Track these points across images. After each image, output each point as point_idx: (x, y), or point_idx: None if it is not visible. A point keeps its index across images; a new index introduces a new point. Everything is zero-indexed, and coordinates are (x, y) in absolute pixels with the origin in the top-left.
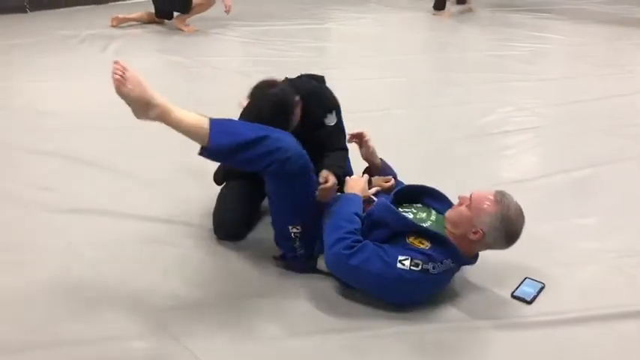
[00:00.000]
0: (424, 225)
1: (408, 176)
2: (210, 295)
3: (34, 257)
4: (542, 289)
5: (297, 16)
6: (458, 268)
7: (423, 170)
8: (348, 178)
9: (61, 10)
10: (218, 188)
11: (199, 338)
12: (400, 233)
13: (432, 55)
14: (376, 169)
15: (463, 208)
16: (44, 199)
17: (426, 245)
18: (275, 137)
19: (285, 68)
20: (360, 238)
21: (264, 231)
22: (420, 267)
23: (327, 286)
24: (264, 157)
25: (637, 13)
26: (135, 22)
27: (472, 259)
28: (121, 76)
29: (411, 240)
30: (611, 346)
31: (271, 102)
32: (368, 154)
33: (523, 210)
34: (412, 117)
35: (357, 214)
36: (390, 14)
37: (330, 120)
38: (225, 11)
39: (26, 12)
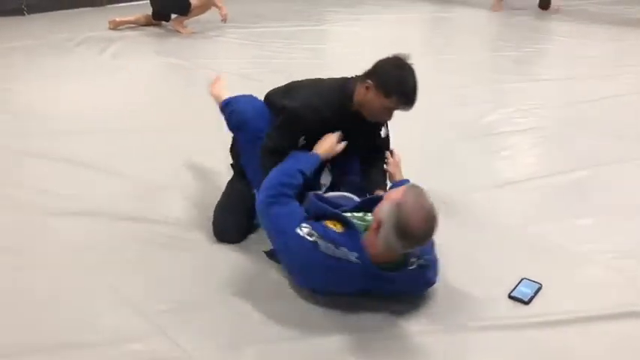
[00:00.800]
0: (346, 215)
1: (406, 176)
2: (208, 297)
3: (31, 260)
4: (539, 289)
5: (294, 18)
6: (368, 277)
7: (422, 170)
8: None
9: (59, 12)
10: (215, 191)
11: (197, 340)
12: (323, 216)
13: (430, 56)
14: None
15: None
16: (42, 201)
17: (337, 228)
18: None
19: (282, 70)
20: (291, 193)
21: (262, 232)
22: (312, 238)
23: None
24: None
25: (638, 14)
26: (132, 25)
27: (384, 264)
28: None
29: (326, 221)
30: (608, 346)
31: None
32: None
33: (524, 208)
34: (410, 118)
35: (301, 172)
36: (386, 15)
37: (384, 132)
38: (222, 20)
39: (24, 15)
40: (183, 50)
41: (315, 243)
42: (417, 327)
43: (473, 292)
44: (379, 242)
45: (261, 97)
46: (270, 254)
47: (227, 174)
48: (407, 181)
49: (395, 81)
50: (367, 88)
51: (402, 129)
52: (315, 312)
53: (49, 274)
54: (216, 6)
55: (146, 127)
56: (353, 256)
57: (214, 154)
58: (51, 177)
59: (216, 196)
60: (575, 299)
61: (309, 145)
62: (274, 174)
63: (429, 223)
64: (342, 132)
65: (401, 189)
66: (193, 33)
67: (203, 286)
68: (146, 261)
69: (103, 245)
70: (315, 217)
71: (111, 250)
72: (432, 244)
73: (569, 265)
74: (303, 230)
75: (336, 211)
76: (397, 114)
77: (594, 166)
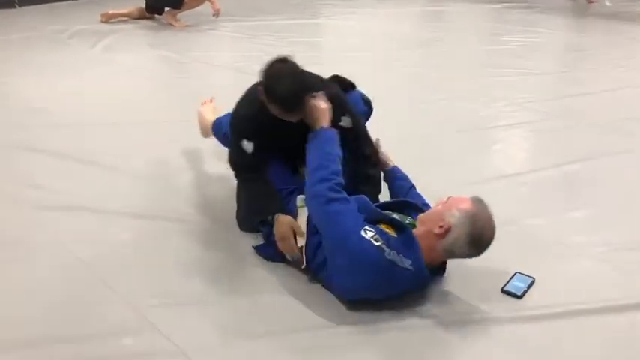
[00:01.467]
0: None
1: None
2: (202, 292)
3: (23, 255)
4: (532, 283)
5: (288, 11)
6: (415, 282)
7: (415, 165)
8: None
9: (50, 5)
10: (211, 185)
11: (190, 336)
12: (376, 220)
13: (423, 50)
14: (388, 174)
15: (437, 206)
16: (34, 196)
17: (392, 233)
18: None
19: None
20: (343, 181)
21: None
22: (379, 242)
23: (319, 283)
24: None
25: (629, 8)
26: (125, 18)
27: (436, 268)
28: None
29: (381, 225)
30: (601, 339)
31: (293, 75)
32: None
33: (516, 202)
34: (403, 112)
35: (338, 156)
36: (380, 9)
37: (346, 122)
38: (214, 15)
39: (15, 7)
40: (176, 43)
41: (380, 248)
42: (410, 321)
43: (466, 287)
44: (441, 247)
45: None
46: (259, 249)
47: (222, 167)
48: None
49: (271, 88)
50: (262, 93)
51: (393, 123)
52: (312, 307)
53: (41, 268)
54: (209, 0)
55: (140, 121)
56: (407, 264)
57: (209, 147)
58: (44, 171)
59: (213, 190)
60: (567, 293)
61: (261, 149)
62: (319, 161)
63: (494, 233)
64: (290, 131)
65: (466, 198)
66: (187, 26)
67: (197, 282)
68: (140, 256)
69: (96, 240)
70: (369, 220)
71: (104, 244)
72: None
73: (561, 258)
74: (368, 234)
75: (393, 216)
76: (388, 109)
77: (585, 159)
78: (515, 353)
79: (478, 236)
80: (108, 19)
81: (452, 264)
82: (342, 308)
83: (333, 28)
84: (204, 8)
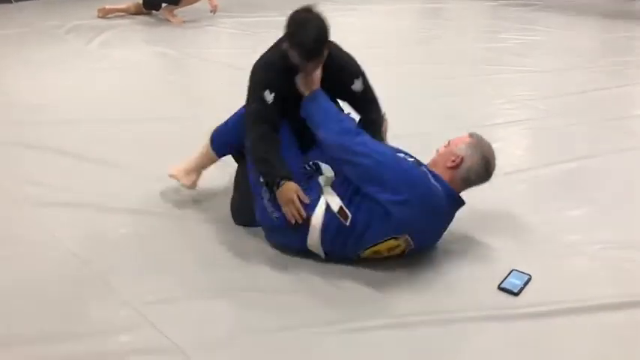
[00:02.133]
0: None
1: None
2: (198, 289)
3: (20, 252)
4: (528, 280)
5: (287, 8)
6: (448, 202)
7: None
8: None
9: (47, 0)
10: (206, 181)
11: (187, 332)
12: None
13: (422, 48)
14: None
15: (441, 149)
16: (32, 193)
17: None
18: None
19: None
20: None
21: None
22: (413, 160)
23: (319, 279)
24: None
25: (627, 6)
26: (122, 13)
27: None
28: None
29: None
30: (598, 337)
31: (317, 24)
32: None
33: (514, 199)
34: (402, 109)
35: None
36: (380, 6)
37: (357, 86)
38: (211, 11)
39: (11, 2)
40: (173, 40)
41: (416, 162)
42: (406, 318)
43: (463, 284)
44: (459, 176)
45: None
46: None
47: (220, 164)
48: None
49: (295, 33)
50: (285, 40)
51: (393, 120)
52: (310, 304)
53: (38, 265)
54: None
55: (137, 118)
56: (436, 185)
57: (199, 142)
58: (42, 168)
59: (211, 186)
60: (564, 290)
61: (279, 102)
62: (332, 122)
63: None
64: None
65: (464, 135)
66: (184, 22)
67: (194, 278)
68: (137, 252)
69: (92, 236)
70: None
71: (101, 240)
72: None
73: (558, 256)
74: (400, 155)
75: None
76: (386, 107)
77: (584, 158)
78: (512, 350)
79: (488, 158)
80: (105, 14)
81: (448, 260)
82: (341, 305)
83: (332, 25)
84: (202, 4)
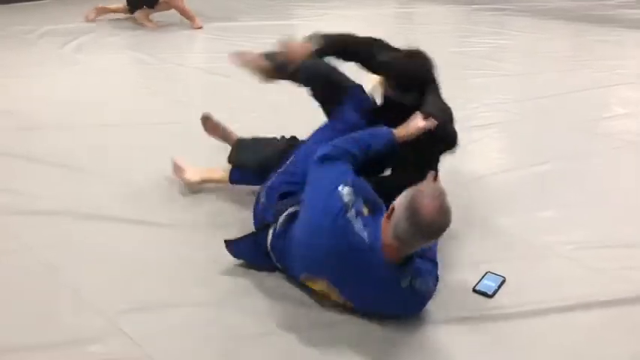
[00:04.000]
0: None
1: None
2: (171, 297)
3: None
4: (503, 282)
5: (261, 12)
6: (368, 262)
7: None
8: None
9: (21, 4)
10: (184, 189)
11: (160, 341)
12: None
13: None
14: None
15: None
16: (4, 201)
17: (366, 211)
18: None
19: None
20: (352, 162)
21: (229, 231)
22: (347, 199)
23: (294, 287)
24: None
25: (597, 10)
26: (121, 15)
27: (393, 260)
28: None
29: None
30: (572, 336)
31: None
32: None
33: (487, 201)
34: None
35: (369, 148)
36: (353, 10)
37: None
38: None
39: None
40: (147, 44)
41: (346, 205)
42: (381, 322)
43: (437, 287)
44: (390, 228)
45: (223, 93)
46: (232, 246)
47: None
48: None
49: (401, 63)
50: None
51: None
52: (286, 310)
53: (7, 273)
54: (188, 17)
55: (110, 123)
56: (363, 233)
57: (180, 149)
58: (9, 174)
59: (185, 194)
60: (538, 291)
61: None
62: (344, 139)
63: (441, 215)
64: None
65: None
66: (158, 27)
67: (167, 285)
68: (109, 259)
69: (64, 244)
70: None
71: (73, 248)
72: (434, 265)
73: (531, 257)
74: (345, 190)
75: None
76: None
77: (555, 159)
78: (487, 351)
79: (415, 211)
80: (97, 14)
81: None
82: (319, 310)
83: (305, 30)
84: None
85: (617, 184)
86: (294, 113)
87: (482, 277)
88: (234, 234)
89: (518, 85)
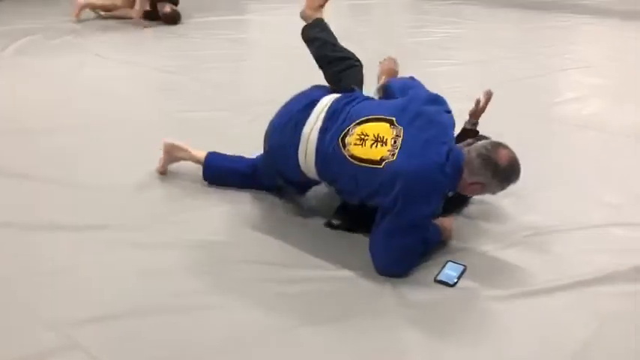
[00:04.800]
0: None
1: None
2: (128, 307)
3: None
4: (464, 271)
5: (215, 8)
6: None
7: None
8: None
9: None
10: (139, 193)
11: (118, 355)
12: None
13: (348, 45)
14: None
15: None
16: None
17: None
18: None
19: (200, 61)
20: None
21: (190, 237)
22: None
23: (257, 288)
24: None
25: None
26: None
27: None
28: None
29: None
30: (536, 322)
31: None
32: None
33: None
34: None
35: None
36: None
37: None
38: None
39: None
40: (95, 45)
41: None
42: (340, 313)
43: (399, 279)
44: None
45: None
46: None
47: (142, 174)
48: None
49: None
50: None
51: None
52: (244, 322)
53: None
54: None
55: (53, 127)
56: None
57: (131, 152)
58: None
59: (141, 197)
60: (498, 278)
61: None
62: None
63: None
64: None
65: None
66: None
67: (127, 297)
68: (64, 270)
69: (15, 256)
70: None
71: (23, 259)
72: None
73: (491, 245)
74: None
75: None
76: None
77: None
78: (451, 340)
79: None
80: (89, 7)
81: None
82: (266, 313)
83: (259, 24)
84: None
85: (571, 168)
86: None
87: (444, 266)
88: (197, 239)
89: (469, 74)
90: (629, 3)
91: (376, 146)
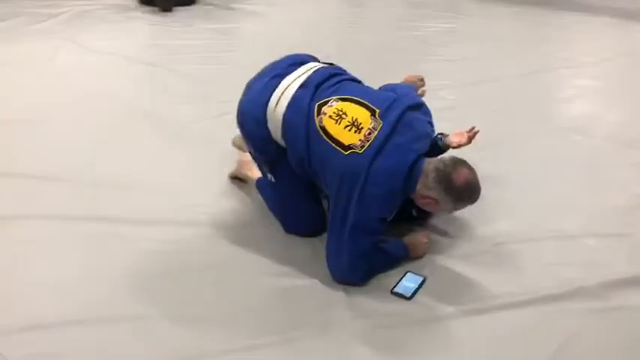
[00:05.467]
0: None
1: None
2: (49, 319)
3: None
4: (423, 282)
5: None
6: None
7: None
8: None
9: None
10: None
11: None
12: None
13: (337, 38)
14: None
15: None
16: None
17: None
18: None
19: (178, 51)
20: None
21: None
22: None
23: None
24: None
25: None
26: None
27: None
28: None
29: None
30: (491, 340)
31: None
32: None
33: None
34: None
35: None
36: None
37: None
38: None
39: None
40: (77, 32)
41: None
42: (291, 333)
43: (355, 288)
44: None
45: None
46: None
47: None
48: None
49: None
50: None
51: None
52: (175, 339)
53: None
54: None
55: (14, 120)
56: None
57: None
58: None
59: (88, 189)
60: (459, 291)
61: None
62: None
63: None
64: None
65: None
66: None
67: (45, 307)
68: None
69: None
70: None
71: None
72: None
73: (456, 253)
74: None
75: None
76: None
77: (489, 147)
78: (406, 356)
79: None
80: None
81: None
82: (234, 328)
83: (249, 15)
84: None
85: (549, 172)
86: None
87: (402, 277)
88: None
89: (458, 71)
90: (631, 1)
91: (350, 130)
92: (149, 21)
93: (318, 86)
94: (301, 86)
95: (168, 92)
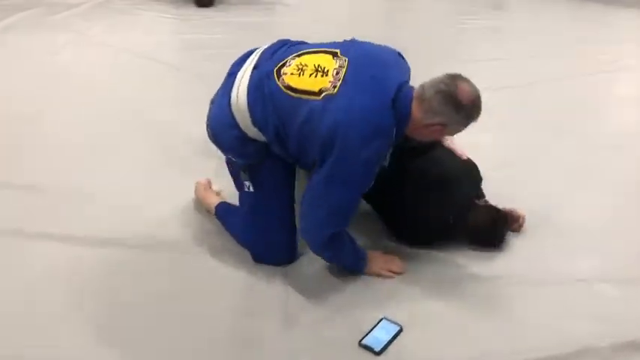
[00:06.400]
0: None
1: None
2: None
3: None
4: (398, 333)
5: None
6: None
7: None
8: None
9: None
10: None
11: None
12: None
13: (383, 34)
14: None
15: None
16: None
17: None
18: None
19: (204, 47)
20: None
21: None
22: None
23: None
24: None
25: None
26: None
27: None
28: None
29: None
30: None
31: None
32: None
33: None
34: None
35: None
36: None
37: None
38: None
39: None
40: (93, 25)
41: None
42: None
43: (323, 334)
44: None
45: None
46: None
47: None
48: None
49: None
50: None
51: None
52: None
53: None
54: None
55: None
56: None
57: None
58: None
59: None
60: (440, 347)
61: None
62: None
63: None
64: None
65: None
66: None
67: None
68: None
69: None
70: None
71: None
72: None
73: (443, 298)
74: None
75: None
76: None
77: (512, 164)
78: None
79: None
80: None
81: (311, 304)
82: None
83: (289, 8)
84: None
85: (566, 200)
86: None
87: (376, 324)
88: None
89: (483, 74)
90: None
91: (315, 76)
92: (171, 15)
93: (269, 57)
94: (254, 68)
95: (173, 92)
